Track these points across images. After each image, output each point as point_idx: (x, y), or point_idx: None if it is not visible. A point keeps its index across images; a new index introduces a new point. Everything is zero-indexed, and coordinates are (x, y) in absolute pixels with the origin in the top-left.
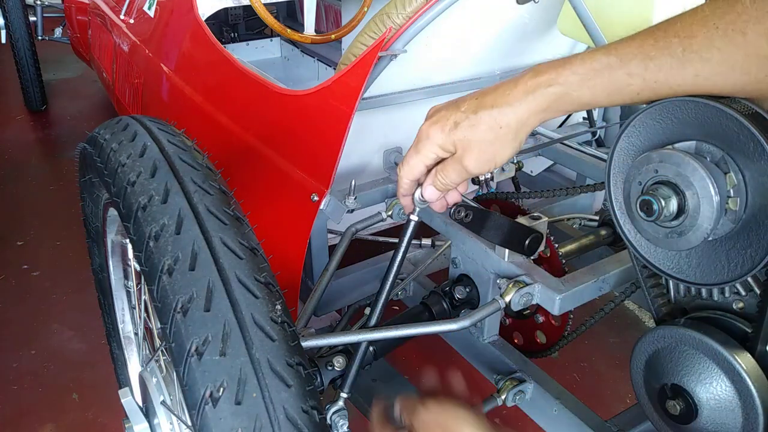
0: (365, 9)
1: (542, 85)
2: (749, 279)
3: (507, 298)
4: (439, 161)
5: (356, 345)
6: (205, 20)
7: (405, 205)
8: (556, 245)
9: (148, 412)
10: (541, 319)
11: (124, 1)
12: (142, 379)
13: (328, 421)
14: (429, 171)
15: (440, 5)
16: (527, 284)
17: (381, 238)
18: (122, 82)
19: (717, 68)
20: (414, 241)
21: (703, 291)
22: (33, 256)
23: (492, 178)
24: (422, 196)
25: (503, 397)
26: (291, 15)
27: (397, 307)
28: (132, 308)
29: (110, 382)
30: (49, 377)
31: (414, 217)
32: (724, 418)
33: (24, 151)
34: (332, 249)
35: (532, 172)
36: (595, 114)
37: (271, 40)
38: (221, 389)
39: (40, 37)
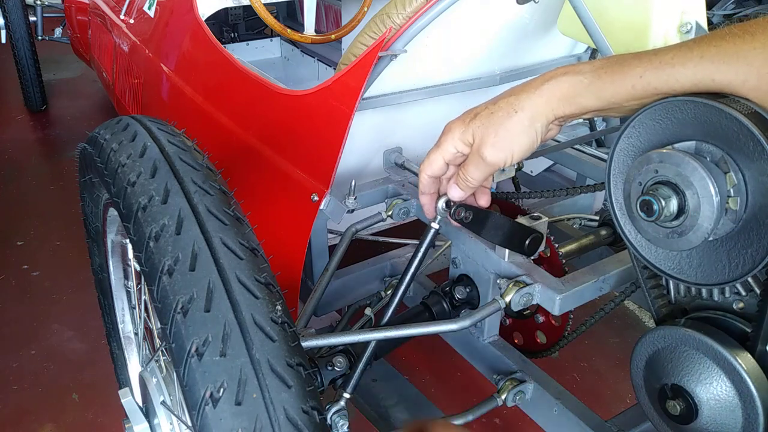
0: (365, 9)
1: (559, 74)
2: (749, 279)
3: (507, 298)
4: (461, 162)
5: (357, 345)
6: (205, 20)
7: (423, 204)
8: (556, 245)
9: (148, 412)
10: (541, 319)
11: (124, 1)
12: (142, 379)
13: (329, 421)
14: (449, 179)
15: (440, 5)
16: (527, 284)
17: (381, 238)
18: (122, 82)
19: (722, 54)
20: (414, 241)
21: (704, 291)
22: (33, 256)
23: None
24: (446, 200)
25: (503, 397)
26: (291, 15)
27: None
28: (132, 308)
29: (110, 382)
30: (49, 377)
31: (435, 225)
32: (724, 418)
33: (24, 151)
34: (332, 249)
35: (532, 172)
36: None
37: (271, 40)
38: (221, 390)
39: (40, 37)
